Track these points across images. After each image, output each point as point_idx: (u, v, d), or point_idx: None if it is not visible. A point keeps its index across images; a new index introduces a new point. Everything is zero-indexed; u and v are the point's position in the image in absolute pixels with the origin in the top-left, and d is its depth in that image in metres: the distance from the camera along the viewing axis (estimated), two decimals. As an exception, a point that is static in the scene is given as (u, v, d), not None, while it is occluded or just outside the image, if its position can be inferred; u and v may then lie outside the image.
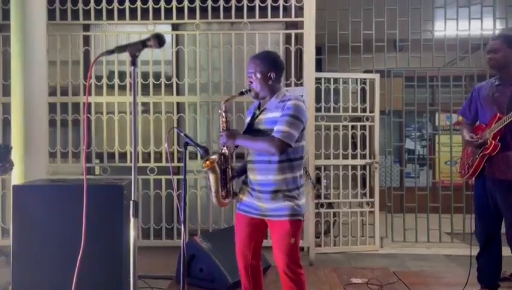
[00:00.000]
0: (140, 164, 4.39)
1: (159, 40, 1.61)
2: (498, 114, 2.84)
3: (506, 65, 2.88)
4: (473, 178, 3.04)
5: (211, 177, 2.37)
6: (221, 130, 2.40)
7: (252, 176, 2.37)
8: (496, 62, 2.90)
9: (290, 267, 2.31)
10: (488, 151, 2.85)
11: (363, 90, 4.73)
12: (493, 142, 2.83)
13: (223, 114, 2.39)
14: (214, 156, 2.38)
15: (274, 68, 2.36)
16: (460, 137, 5.73)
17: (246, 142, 2.36)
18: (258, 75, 2.34)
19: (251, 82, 2.37)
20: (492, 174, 2.89)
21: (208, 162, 2.36)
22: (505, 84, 2.90)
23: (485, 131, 2.90)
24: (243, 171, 2.47)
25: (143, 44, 1.62)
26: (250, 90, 2.38)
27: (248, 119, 2.46)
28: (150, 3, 4.40)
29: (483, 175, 2.96)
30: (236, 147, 2.44)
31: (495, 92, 2.93)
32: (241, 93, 2.44)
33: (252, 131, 2.38)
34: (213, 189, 2.39)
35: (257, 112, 2.41)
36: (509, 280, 3.46)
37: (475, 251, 3.11)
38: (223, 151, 2.40)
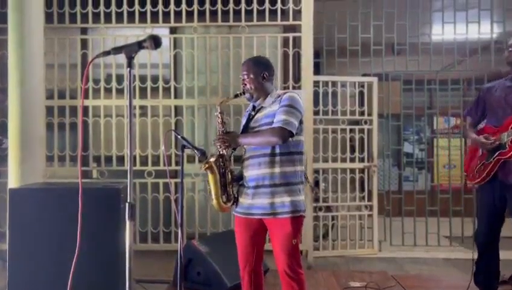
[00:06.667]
0: (138, 167, 4.37)
1: (155, 41, 1.61)
2: None
3: None
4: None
5: (210, 178, 2.34)
6: (218, 131, 2.40)
7: (249, 172, 2.34)
8: None
9: (291, 267, 2.29)
10: (508, 155, 2.70)
11: (361, 93, 4.73)
12: None
13: (219, 115, 2.40)
14: (212, 159, 2.37)
15: (266, 68, 2.41)
16: (459, 140, 5.81)
17: (248, 139, 2.35)
18: (252, 76, 2.37)
19: (245, 84, 2.39)
20: (507, 178, 2.77)
21: (206, 164, 2.35)
22: None
23: (500, 134, 2.77)
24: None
25: (139, 45, 1.62)
26: (244, 93, 2.41)
27: (244, 121, 2.46)
28: (148, 7, 4.39)
29: (493, 179, 2.84)
30: (234, 149, 2.43)
31: (508, 94, 2.83)
32: (236, 96, 2.46)
33: (248, 132, 2.39)
34: (213, 192, 2.36)
35: (253, 113, 2.42)
36: (508, 283, 3.45)
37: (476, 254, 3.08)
38: (221, 152, 2.38)
